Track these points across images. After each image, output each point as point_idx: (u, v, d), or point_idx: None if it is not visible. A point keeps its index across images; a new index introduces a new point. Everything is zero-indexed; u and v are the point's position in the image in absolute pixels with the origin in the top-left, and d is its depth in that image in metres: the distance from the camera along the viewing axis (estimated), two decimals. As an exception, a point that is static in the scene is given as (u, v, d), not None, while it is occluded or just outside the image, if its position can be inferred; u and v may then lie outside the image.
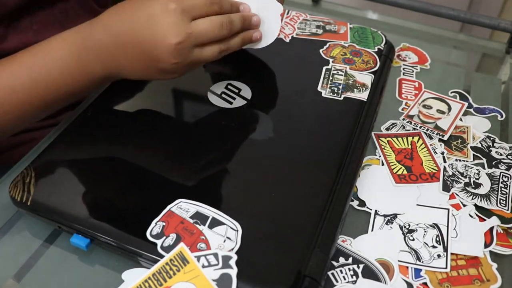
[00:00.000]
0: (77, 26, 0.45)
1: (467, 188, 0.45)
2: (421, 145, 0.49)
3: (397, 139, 0.50)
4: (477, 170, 0.47)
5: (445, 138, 0.50)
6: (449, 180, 0.46)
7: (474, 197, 0.44)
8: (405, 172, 0.47)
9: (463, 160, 0.48)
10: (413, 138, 0.50)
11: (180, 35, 0.42)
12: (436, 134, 0.50)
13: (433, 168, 0.47)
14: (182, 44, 0.42)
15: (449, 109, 0.54)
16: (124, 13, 0.44)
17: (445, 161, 0.48)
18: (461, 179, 0.46)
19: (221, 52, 0.46)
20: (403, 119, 0.53)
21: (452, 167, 0.47)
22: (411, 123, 0.52)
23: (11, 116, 0.45)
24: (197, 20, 0.43)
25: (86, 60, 0.44)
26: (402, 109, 0.55)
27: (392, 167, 0.47)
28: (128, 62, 0.44)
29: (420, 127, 0.51)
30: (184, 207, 0.40)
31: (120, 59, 0.44)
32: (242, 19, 0.47)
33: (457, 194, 0.45)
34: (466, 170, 0.47)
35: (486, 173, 0.47)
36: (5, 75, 0.44)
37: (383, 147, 0.49)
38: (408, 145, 0.49)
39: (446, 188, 0.45)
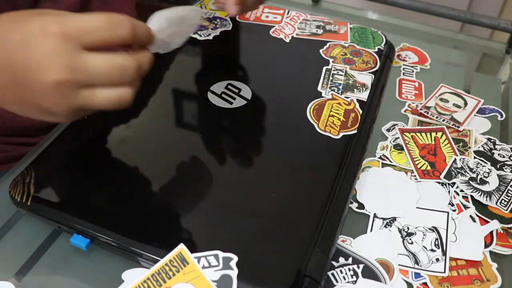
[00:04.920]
0: None
1: (471, 182, 0.45)
2: (444, 140, 0.49)
3: (421, 134, 0.50)
4: (489, 169, 0.47)
5: (461, 129, 0.51)
6: (455, 171, 0.46)
7: (474, 190, 0.45)
8: (428, 167, 0.47)
9: (477, 158, 0.49)
10: (436, 134, 0.50)
11: (59, 70, 0.31)
12: (452, 125, 0.52)
13: (456, 165, 0.48)
14: (63, 83, 0.32)
15: (465, 104, 0.55)
16: (1, 27, 0.34)
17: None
18: (468, 173, 0.46)
19: (121, 100, 0.35)
20: (420, 109, 0.54)
21: (463, 161, 0.47)
22: (427, 112, 0.53)
23: None
24: (90, 54, 0.33)
25: None
26: (405, 111, 0.55)
27: (416, 162, 0.47)
28: (0, 88, 0.35)
29: (437, 117, 0.53)
30: None
31: None
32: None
33: (458, 186, 0.45)
34: (477, 167, 0.47)
35: (498, 174, 0.47)
36: None
37: (407, 142, 0.49)
38: (431, 141, 0.50)
39: (448, 176, 0.45)
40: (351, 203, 0.44)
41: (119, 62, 0.34)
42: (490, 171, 0.47)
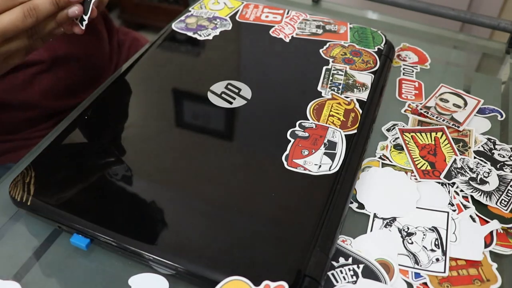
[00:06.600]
0: None
1: (471, 182, 0.45)
2: (444, 140, 0.49)
3: (421, 134, 0.50)
4: (489, 169, 0.47)
5: (461, 129, 0.51)
6: (455, 171, 0.46)
7: (474, 190, 0.45)
8: (428, 167, 0.47)
9: (477, 158, 0.48)
10: (436, 134, 0.50)
11: None
12: (452, 125, 0.52)
13: (456, 165, 0.48)
14: None
15: (465, 104, 0.55)
16: None
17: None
18: (468, 173, 0.46)
19: (32, 38, 0.45)
20: (420, 109, 0.54)
21: (463, 161, 0.47)
22: (427, 112, 0.53)
23: None
24: None
25: None
26: (405, 111, 0.55)
27: (416, 162, 0.47)
28: None
29: (437, 117, 0.52)
30: None
31: None
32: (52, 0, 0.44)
33: (458, 186, 0.45)
34: (477, 167, 0.47)
35: (498, 174, 0.47)
36: None
37: (407, 142, 0.49)
38: (431, 141, 0.50)
39: (448, 176, 0.45)
40: (351, 203, 0.44)
41: (17, 12, 0.41)
42: (490, 171, 0.47)
